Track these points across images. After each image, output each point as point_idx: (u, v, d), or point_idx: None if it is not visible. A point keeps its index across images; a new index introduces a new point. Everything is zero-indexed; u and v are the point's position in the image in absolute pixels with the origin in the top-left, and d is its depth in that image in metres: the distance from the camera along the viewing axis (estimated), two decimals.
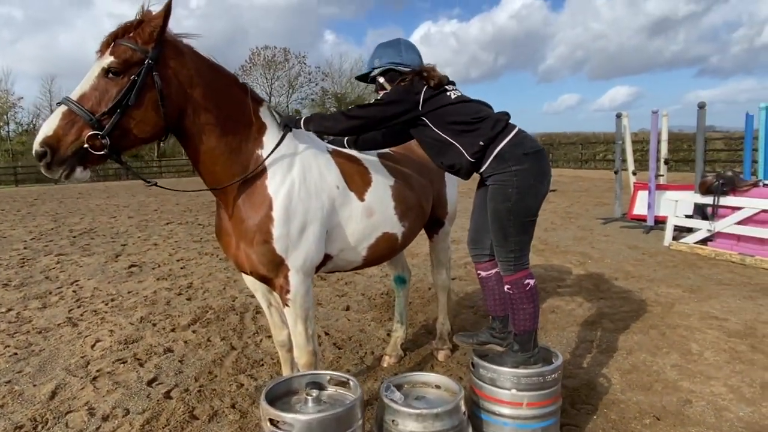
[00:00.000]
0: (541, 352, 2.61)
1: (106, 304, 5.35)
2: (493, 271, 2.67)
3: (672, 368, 3.55)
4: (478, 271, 2.77)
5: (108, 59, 2.12)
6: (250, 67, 44.09)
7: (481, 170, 2.54)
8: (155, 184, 2.57)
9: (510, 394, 2.44)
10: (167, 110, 2.23)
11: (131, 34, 2.17)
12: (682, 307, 4.78)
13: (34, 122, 40.97)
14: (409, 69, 2.63)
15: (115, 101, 2.11)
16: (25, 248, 8.63)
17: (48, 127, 2.06)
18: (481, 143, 2.44)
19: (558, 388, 2.54)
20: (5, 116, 40.71)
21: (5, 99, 40.54)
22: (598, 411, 3.04)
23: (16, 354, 4.06)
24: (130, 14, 2.24)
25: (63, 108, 2.09)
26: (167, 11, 2.15)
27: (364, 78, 2.85)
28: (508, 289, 2.53)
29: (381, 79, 2.71)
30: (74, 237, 9.65)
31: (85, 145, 2.09)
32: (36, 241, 9.28)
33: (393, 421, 2.22)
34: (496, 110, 2.61)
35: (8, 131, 41.32)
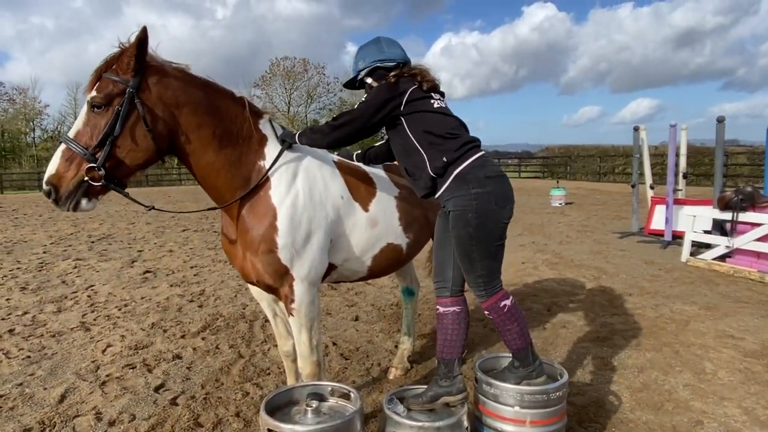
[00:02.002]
0: (545, 368, 2.57)
1: (119, 310, 5.42)
2: (452, 309, 2.52)
3: (684, 387, 3.47)
4: (437, 306, 2.59)
5: (92, 94, 2.22)
6: (270, 77, 44.76)
7: (438, 194, 2.46)
8: (153, 208, 2.64)
9: (513, 411, 2.40)
10: (155, 134, 2.28)
11: (114, 67, 2.24)
12: (697, 324, 4.68)
13: (58, 129, 41.98)
14: (394, 63, 2.60)
15: (103, 134, 2.20)
16: (44, 252, 8.80)
17: (51, 167, 2.20)
18: (445, 160, 2.38)
19: (563, 406, 2.50)
20: (31, 123, 41.81)
21: (32, 106, 41.68)
22: (606, 430, 2.98)
23: (29, 357, 4.13)
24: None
25: (62, 146, 2.22)
26: (141, 38, 2.19)
27: (352, 84, 2.80)
28: (488, 314, 2.47)
29: (369, 80, 2.66)
30: (92, 242, 9.82)
31: (85, 178, 2.19)
32: (55, 246, 9.46)
33: None
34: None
35: (34, 138, 42.42)
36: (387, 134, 2.62)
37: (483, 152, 2.47)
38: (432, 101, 2.49)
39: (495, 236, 2.40)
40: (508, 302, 2.45)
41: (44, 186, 2.20)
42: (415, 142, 2.45)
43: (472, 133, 2.56)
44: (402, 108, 2.44)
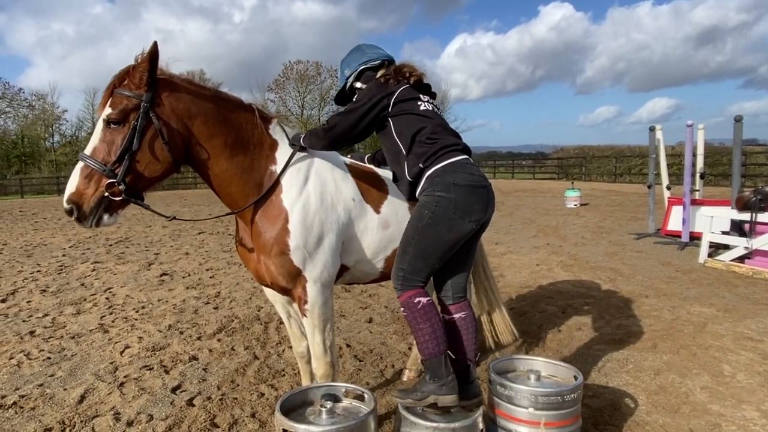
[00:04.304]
0: (561, 370, 2.56)
1: (137, 312, 5.49)
2: (457, 315, 2.50)
3: (702, 390, 3.42)
4: (443, 315, 2.54)
5: (107, 111, 2.24)
6: (284, 81, 45.08)
7: (417, 194, 2.47)
8: (173, 218, 2.69)
9: (527, 412, 2.40)
10: (172, 146, 2.32)
11: (126, 82, 2.26)
12: (715, 326, 4.62)
13: (77, 134, 42.71)
14: (379, 62, 2.63)
15: (121, 149, 2.22)
16: (63, 256, 8.96)
17: (71, 185, 2.21)
18: (421, 166, 2.39)
19: (578, 408, 2.48)
20: (50, 128, 42.56)
21: (51, 112, 42.44)
22: None
23: (49, 358, 4.21)
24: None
25: (80, 164, 2.24)
26: (152, 54, 2.22)
27: (342, 97, 2.79)
28: (403, 311, 2.41)
29: (358, 84, 2.68)
30: (110, 245, 9.97)
31: (105, 194, 2.22)
32: (74, 249, 9.63)
33: None
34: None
35: (53, 143, 43.18)
36: (378, 137, 2.62)
37: (462, 157, 2.43)
38: (419, 103, 2.49)
39: (440, 243, 2.35)
40: (423, 300, 2.35)
41: (66, 205, 2.21)
42: (400, 145, 2.45)
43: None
44: (390, 108, 2.45)
